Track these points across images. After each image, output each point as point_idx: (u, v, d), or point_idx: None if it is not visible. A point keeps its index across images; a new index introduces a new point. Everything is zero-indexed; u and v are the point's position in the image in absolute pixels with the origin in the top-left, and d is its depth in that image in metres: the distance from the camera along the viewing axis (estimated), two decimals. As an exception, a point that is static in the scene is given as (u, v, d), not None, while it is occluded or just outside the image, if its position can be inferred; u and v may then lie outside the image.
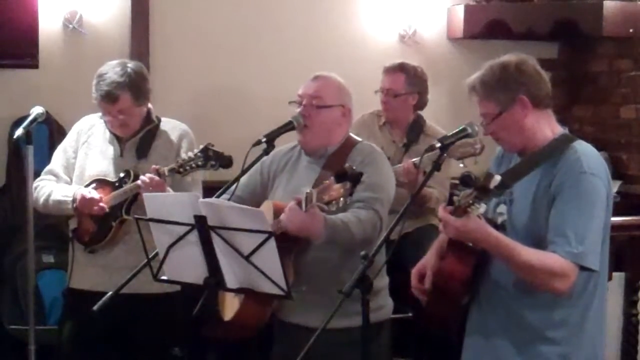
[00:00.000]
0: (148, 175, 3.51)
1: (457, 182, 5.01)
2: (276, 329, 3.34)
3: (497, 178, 2.54)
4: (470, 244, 2.76)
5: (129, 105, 3.66)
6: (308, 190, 2.88)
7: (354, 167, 2.78)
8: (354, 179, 2.74)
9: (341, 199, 2.79)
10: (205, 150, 3.45)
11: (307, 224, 2.97)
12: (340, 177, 2.76)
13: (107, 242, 3.70)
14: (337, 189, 2.77)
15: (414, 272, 2.95)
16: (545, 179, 2.74)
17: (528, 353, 2.78)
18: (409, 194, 4.23)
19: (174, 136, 3.79)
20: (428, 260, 2.94)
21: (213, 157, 3.44)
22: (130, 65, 3.72)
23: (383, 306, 3.31)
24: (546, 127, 2.81)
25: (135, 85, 3.66)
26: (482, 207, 2.62)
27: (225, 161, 3.44)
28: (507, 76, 2.78)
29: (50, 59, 5.29)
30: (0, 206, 5.20)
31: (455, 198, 2.72)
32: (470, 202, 2.60)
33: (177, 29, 5.59)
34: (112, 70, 3.66)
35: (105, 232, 3.69)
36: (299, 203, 2.92)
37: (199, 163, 3.45)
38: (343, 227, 3.06)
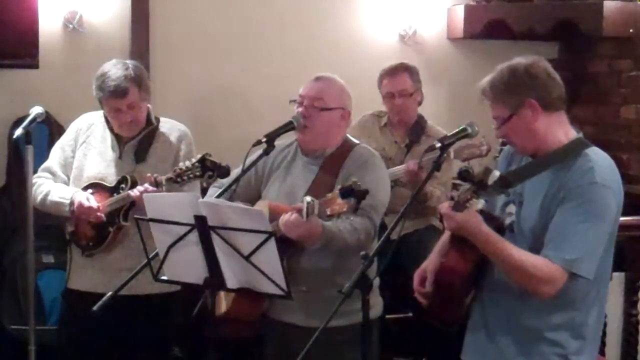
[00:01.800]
0: (145, 186, 3.50)
1: (457, 182, 5.04)
2: (268, 327, 3.33)
3: (496, 174, 2.55)
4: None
5: (137, 99, 3.66)
6: (309, 200, 2.86)
7: (359, 183, 2.76)
8: (360, 196, 2.74)
9: (343, 214, 2.79)
10: (202, 161, 3.45)
11: (307, 232, 2.99)
12: (346, 193, 2.75)
13: (104, 247, 3.70)
14: (341, 204, 2.77)
15: (416, 275, 2.94)
16: (556, 184, 2.73)
17: (529, 352, 2.78)
18: (410, 193, 4.24)
19: (172, 138, 3.79)
20: (429, 264, 2.94)
21: (210, 167, 3.44)
22: (130, 62, 3.74)
23: (374, 305, 3.31)
24: (559, 130, 2.80)
25: (140, 80, 3.69)
26: (480, 203, 2.63)
27: (222, 171, 3.43)
28: (515, 80, 2.77)
29: (50, 59, 5.29)
30: (0, 206, 5.20)
31: (453, 192, 2.73)
32: (468, 197, 2.60)
33: (177, 29, 5.59)
34: (114, 67, 3.66)
35: (102, 237, 3.69)
36: (299, 211, 2.91)
37: (197, 173, 3.46)
38: (339, 235, 3.07)
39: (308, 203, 2.86)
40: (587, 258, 2.66)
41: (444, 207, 2.71)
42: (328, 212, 2.81)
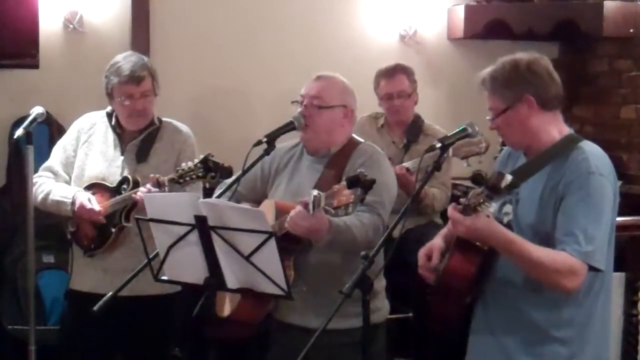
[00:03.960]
0: (147, 187, 3.50)
1: (458, 182, 5.05)
2: (274, 329, 3.33)
3: (509, 178, 2.55)
4: (478, 243, 2.76)
5: (150, 89, 3.68)
6: (316, 193, 2.82)
7: (365, 173, 2.74)
8: (366, 185, 2.72)
9: (350, 205, 2.76)
10: (205, 161, 3.44)
11: (313, 226, 2.95)
12: (352, 183, 2.72)
13: (106, 248, 3.70)
14: (347, 194, 2.74)
15: (422, 252, 2.95)
16: (553, 179, 2.74)
17: (534, 352, 2.78)
18: (405, 195, 4.24)
19: (174, 138, 3.78)
20: (435, 243, 2.95)
21: (213, 168, 3.43)
22: (144, 56, 3.77)
23: (380, 308, 3.30)
24: (553, 128, 2.81)
25: (154, 71, 3.72)
26: (492, 207, 2.62)
27: (225, 172, 3.43)
28: (516, 74, 2.78)
29: (50, 59, 5.30)
30: (1, 206, 5.20)
31: (462, 200, 2.72)
32: (481, 200, 2.60)
33: (177, 29, 5.59)
34: (128, 57, 3.70)
35: (104, 238, 3.68)
36: (305, 205, 2.89)
37: (199, 174, 3.45)
38: (346, 230, 3.04)
39: (314, 196, 2.82)
40: (599, 249, 2.67)
41: (452, 210, 2.71)
42: (335, 204, 2.77)
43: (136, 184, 3.60)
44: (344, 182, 2.76)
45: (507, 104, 2.79)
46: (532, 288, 2.75)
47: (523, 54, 2.84)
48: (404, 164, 4.41)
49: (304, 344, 2.66)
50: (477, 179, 2.59)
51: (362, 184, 2.71)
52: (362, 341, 2.80)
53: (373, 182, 2.73)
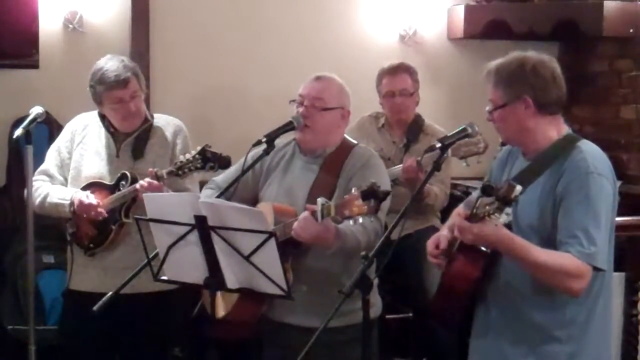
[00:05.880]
0: (146, 180, 3.51)
1: (458, 182, 5.04)
2: (268, 329, 3.32)
3: (519, 188, 2.54)
4: (482, 248, 2.76)
5: (138, 88, 3.69)
6: (323, 201, 2.83)
7: (378, 184, 2.74)
8: (381, 197, 2.72)
9: (360, 217, 2.75)
10: (203, 152, 3.45)
11: (321, 235, 2.95)
12: (367, 194, 2.72)
13: (107, 246, 3.70)
14: (360, 205, 2.73)
15: (430, 242, 2.95)
16: (551, 180, 2.74)
17: (535, 353, 2.79)
18: (409, 192, 4.24)
19: (168, 133, 3.79)
20: (441, 233, 2.95)
21: (211, 159, 3.44)
22: (121, 57, 3.76)
23: (374, 304, 3.30)
24: (550, 129, 2.81)
25: (136, 70, 3.72)
26: (502, 217, 2.62)
27: (223, 162, 3.44)
28: (520, 73, 2.78)
29: (50, 59, 5.30)
30: (0, 206, 5.20)
31: (468, 198, 2.71)
32: (491, 212, 2.60)
33: (177, 29, 5.59)
34: (109, 62, 3.69)
35: (104, 236, 3.68)
36: (312, 213, 2.89)
37: (198, 165, 3.46)
38: (352, 236, 3.05)
39: (322, 205, 2.82)
40: (601, 250, 2.68)
41: (459, 218, 2.71)
42: (347, 214, 2.77)
43: (134, 180, 3.61)
44: (356, 193, 2.75)
45: (505, 101, 2.80)
46: (534, 290, 2.76)
47: (533, 54, 2.84)
48: (413, 158, 4.40)
49: (300, 343, 2.67)
50: (487, 190, 2.58)
51: (378, 196, 2.71)
52: (362, 339, 2.80)
53: (388, 193, 2.75)
